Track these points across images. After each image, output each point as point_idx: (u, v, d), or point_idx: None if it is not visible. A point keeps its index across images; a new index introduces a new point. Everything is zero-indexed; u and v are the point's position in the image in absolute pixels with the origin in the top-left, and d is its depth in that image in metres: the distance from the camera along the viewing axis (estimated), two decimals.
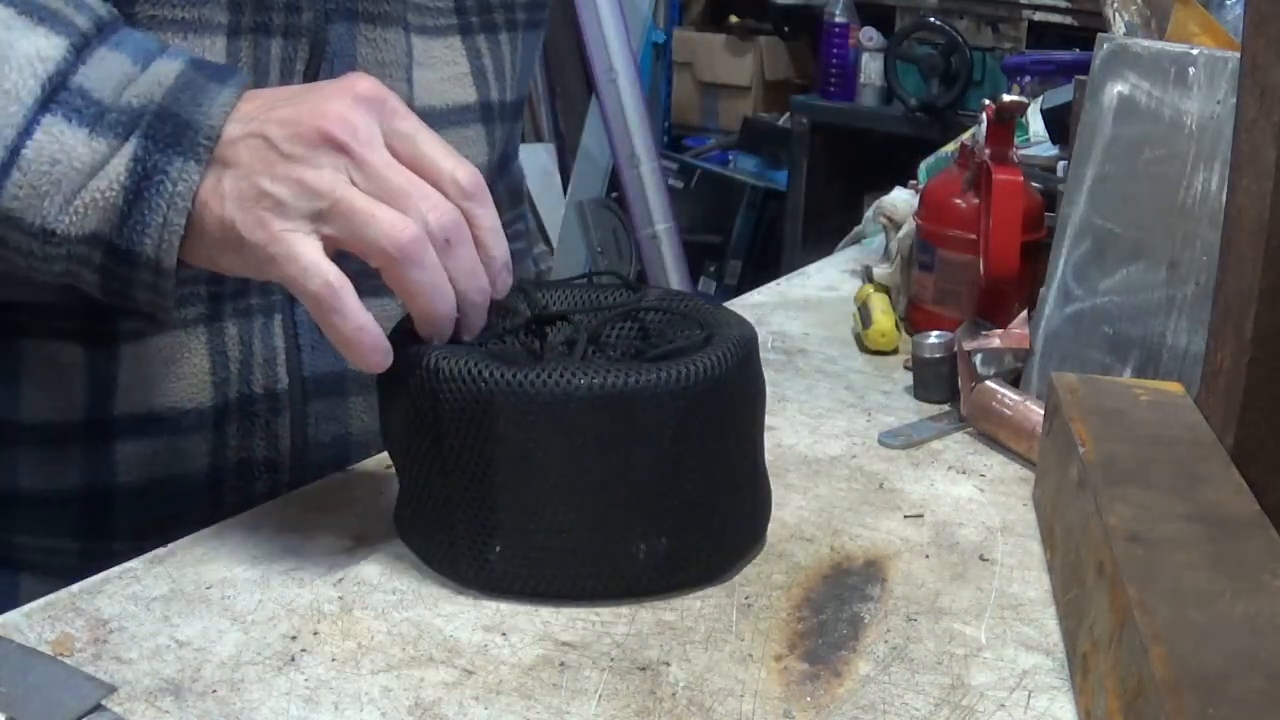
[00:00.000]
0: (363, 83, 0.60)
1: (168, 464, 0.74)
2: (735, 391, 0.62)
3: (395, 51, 0.76)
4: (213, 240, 0.59)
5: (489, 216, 0.61)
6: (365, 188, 0.58)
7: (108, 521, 0.74)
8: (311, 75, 0.73)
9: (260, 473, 0.76)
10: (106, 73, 0.60)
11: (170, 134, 0.59)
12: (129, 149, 0.59)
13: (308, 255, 0.57)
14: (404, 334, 0.62)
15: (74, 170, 0.58)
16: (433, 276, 0.59)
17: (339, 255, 0.59)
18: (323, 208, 0.58)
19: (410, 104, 0.75)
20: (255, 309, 0.74)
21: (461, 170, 0.60)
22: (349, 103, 0.59)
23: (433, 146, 0.61)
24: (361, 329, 0.58)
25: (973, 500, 0.74)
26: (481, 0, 0.82)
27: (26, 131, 0.58)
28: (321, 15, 0.72)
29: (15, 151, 0.58)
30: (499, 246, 0.62)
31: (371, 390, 0.77)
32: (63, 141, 0.58)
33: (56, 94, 0.59)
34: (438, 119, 0.78)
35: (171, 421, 0.73)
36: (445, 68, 0.80)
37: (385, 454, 0.71)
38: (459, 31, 0.80)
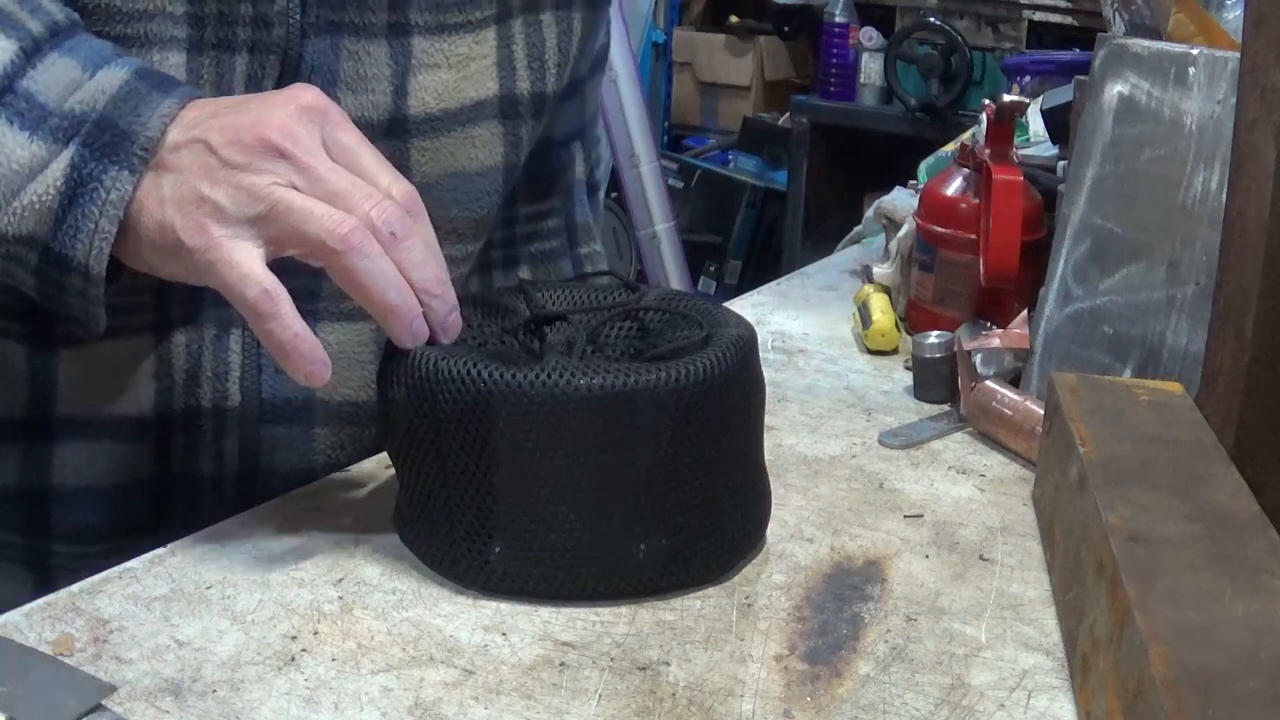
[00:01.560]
0: (307, 94, 0.61)
1: (109, 470, 0.72)
2: (735, 391, 0.62)
3: (376, 64, 0.73)
4: (152, 245, 0.60)
5: (425, 232, 0.62)
6: (306, 190, 0.59)
7: (46, 521, 0.73)
8: None
9: (207, 490, 0.74)
10: (54, 78, 0.61)
11: (107, 143, 0.60)
12: (67, 155, 0.59)
13: (246, 263, 0.58)
14: None
15: (12, 172, 0.59)
16: (379, 265, 0.59)
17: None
18: (261, 212, 0.58)
19: (403, 114, 0.74)
20: (207, 321, 0.72)
21: (398, 186, 0.61)
22: (292, 112, 0.60)
23: (372, 161, 0.61)
24: (297, 336, 0.58)
25: (973, 500, 0.74)
26: None
27: None
28: (296, 30, 0.70)
29: None
30: (430, 276, 0.61)
31: (340, 425, 0.76)
32: (3, 144, 0.59)
33: (2, 96, 0.60)
34: (442, 123, 0.76)
35: (112, 427, 0.72)
36: (464, 65, 0.77)
37: (385, 454, 0.71)
38: (495, 21, 0.77)
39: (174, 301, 0.71)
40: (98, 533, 0.68)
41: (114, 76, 0.61)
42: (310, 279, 0.69)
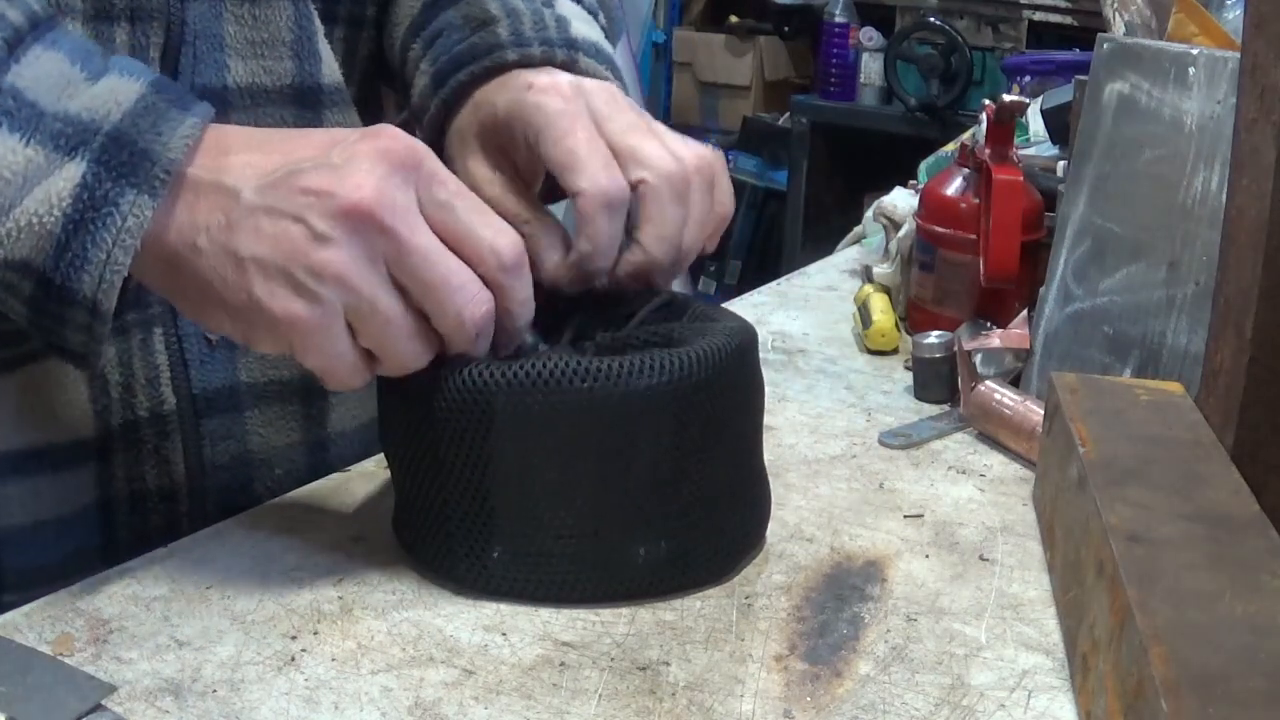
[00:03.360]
0: (395, 142, 0.55)
1: (52, 503, 0.68)
2: (734, 392, 0.62)
3: (275, 28, 0.70)
4: (213, 305, 0.56)
5: (522, 289, 0.59)
6: (399, 276, 0.55)
7: None
8: (171, 62, 0.67)
9: (155, 503, 0.71)
10: (42, 73, 0.54)
11: (126, 162, 0.53)
12: (74, 170, 0.53)
13: (343, 353, 0.56)
14: None
15: (4, 181, 0.53)
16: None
17: None
18: (354, 303, 0.54)
19: (317, 80, 0.72)
20: (132, 325, 0.68)
21: (501, 239, 0.57)
22: (384, 172, 0.54)
23: (471, 215, 0.57)
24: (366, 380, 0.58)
25: (973, 500, 0.74)
26: None
27: None
28: None
29: None
30: (524, 318, 0.60)
31: (268, 402, 0.74)
32: None
33: None
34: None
35: (51, 457, 0.67)
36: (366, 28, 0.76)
37: (384, 454, 0.71)
38: None
39: None
40: (50, 573, 0.63)
41: (128, 87, 0.55)
42: None
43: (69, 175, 0.53)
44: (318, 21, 0.73)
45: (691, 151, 0.66)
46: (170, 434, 0.71)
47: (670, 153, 0.65)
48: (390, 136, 0.56)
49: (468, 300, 0.56)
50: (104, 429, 0.69)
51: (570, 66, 0.69)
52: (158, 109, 0.55)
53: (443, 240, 0.56)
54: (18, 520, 0.68)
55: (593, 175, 0.62)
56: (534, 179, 0.70)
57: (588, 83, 0.67)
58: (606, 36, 0.80)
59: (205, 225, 0.55)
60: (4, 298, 0.56)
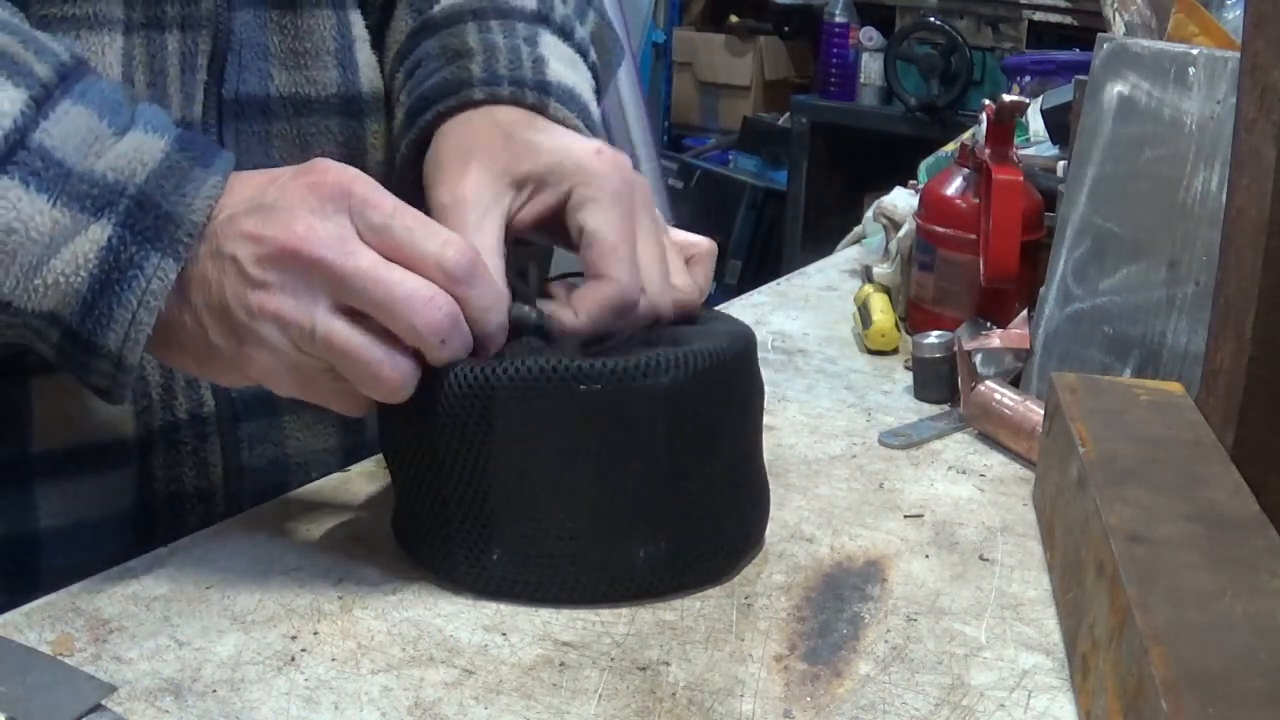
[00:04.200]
0: (325, 175, 0.56)
1: (92, 503, 0.69)
2: (732, 393, 0.62)
3: (319, 38, 0.71)
4: (186, 347, 0.58)
5: (484, 296, 0.58)
6: (349, 302, 0.55)
7: (35, 570, 0.68)
8: (217, 70, 0.68)
9: (192, 505, 0.72)
10: (71, 130, 0.55)
11: (150, 225, 0.55)
12: (100, 232, 0.54)
13: (315, 389, 0.58)
14: None
15: (31, 241, 0.54)
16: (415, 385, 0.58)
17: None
18: (305, 336, 0.55)
19: (355, 90, 0.72)
20: None
21: (448, 250, 0.56)
22: (313, 205, 0.55)
23: (410, 233, 0.56)
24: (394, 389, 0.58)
25: (973, 500, 0.74)
26: None
27: None
28: (224, 2, 0.67)
29: None
30: (493, 322, 0.59)
31: (304, 407, 0.74)
32: (19, 209, 0.53)
33: (14, 153, 0.53)
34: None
35: (93, 457, 0.69)
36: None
37: (384, 455, 0.71)
38: None
39: None
40: (87, 572, 0.63)
41: (153, 145, 0.56)
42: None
43: (95, 237, 0.54)
44: (357, 29, 0.74)
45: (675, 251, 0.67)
46: (209, 436, 0.72)
47: (681, 265, 0.67)
48: (320, 170, 0.57)
49: (420, 308, 0.55)
50: (144, 431, 0.70)
51: (540, 110, 0.68)
52: (182, 168, 0.56)
53: (390, 261, 0.56)
54: (57, 521, 0.69)
55: (626, 275, 0.62)
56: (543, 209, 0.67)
57: (635, 175, 0.66)
58: (597, 73, 0.79)
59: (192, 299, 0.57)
60: (32, 340, 0.57)
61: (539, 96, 0.69)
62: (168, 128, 0.57)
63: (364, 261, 0.55)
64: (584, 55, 0.79)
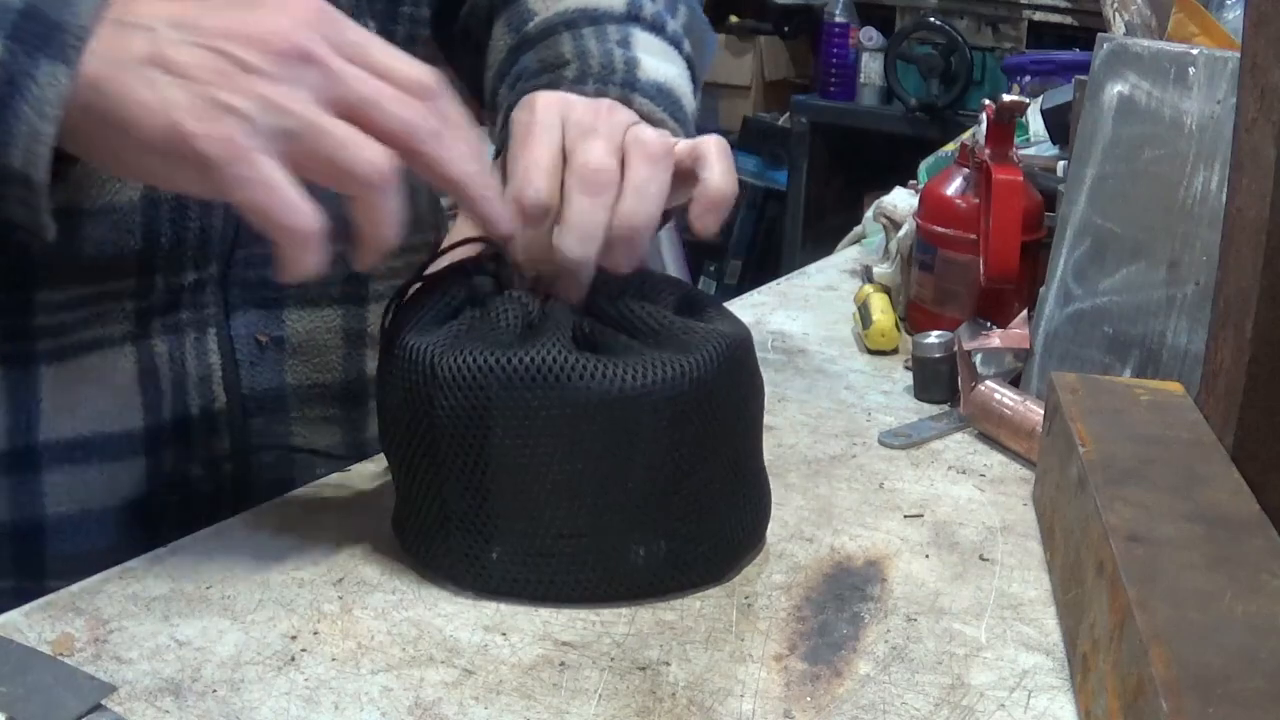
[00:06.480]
0: (297, 5, 0.56)
1: (100, 493, 0.69)
2: (732, 393, 0.62)
3: None
4: (153, 150, 0.54)
5: (455, 113, 0.58)
6: (335, 99, 0.55)
7: (40, 558, 0.69)
8: None
9: (200, 499, 0.73)
10: None
11: (38, 34, 0.53)
12: None
13: (283, 186, 0.53)
14: (399, 332, 0.62)
15: None
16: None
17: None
18: (292, 128, 0.53)
19: None
20: (186, 324, 0.70)
21: (417, 70, 0.57)
22: (300, 15, 0.55)
23: (383, 55, 0.57)
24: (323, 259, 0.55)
25: (973, 500, 0.74)
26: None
27: None
28: None
29: None
30: (471, 137, 0.58)
31: (311, 405, 0.76)
32: None
33: None
34: None
35: (101, 447, 0.69)
36: None
37: (384, 453, 0.71)
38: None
39: (153, 308, 0.69)
40: (94, 560, 0.64)
41: None
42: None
43: None
44: None
45: (641, 140, 0.64)
46: (219, 431, 0.73)
47: (604, 148, 0.63)
48: None
49: (406, 104, 0.56)
50: (154, 423, 0.70)
51: (624, 105, 0.69)
52: None
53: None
54: (65, 509, 0.69)
55: (518, 186, 0.62)
56: None
57: (577, 99, 0.66)
58: (693, 63, 0.81)
59: (122, 59, 0.54)
60: None
61: (623, 93, 0.71)
62: None
63: (351, 69, 0.55)
64: (678, 47, 0.81)
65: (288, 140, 0.53)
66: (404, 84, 0.57)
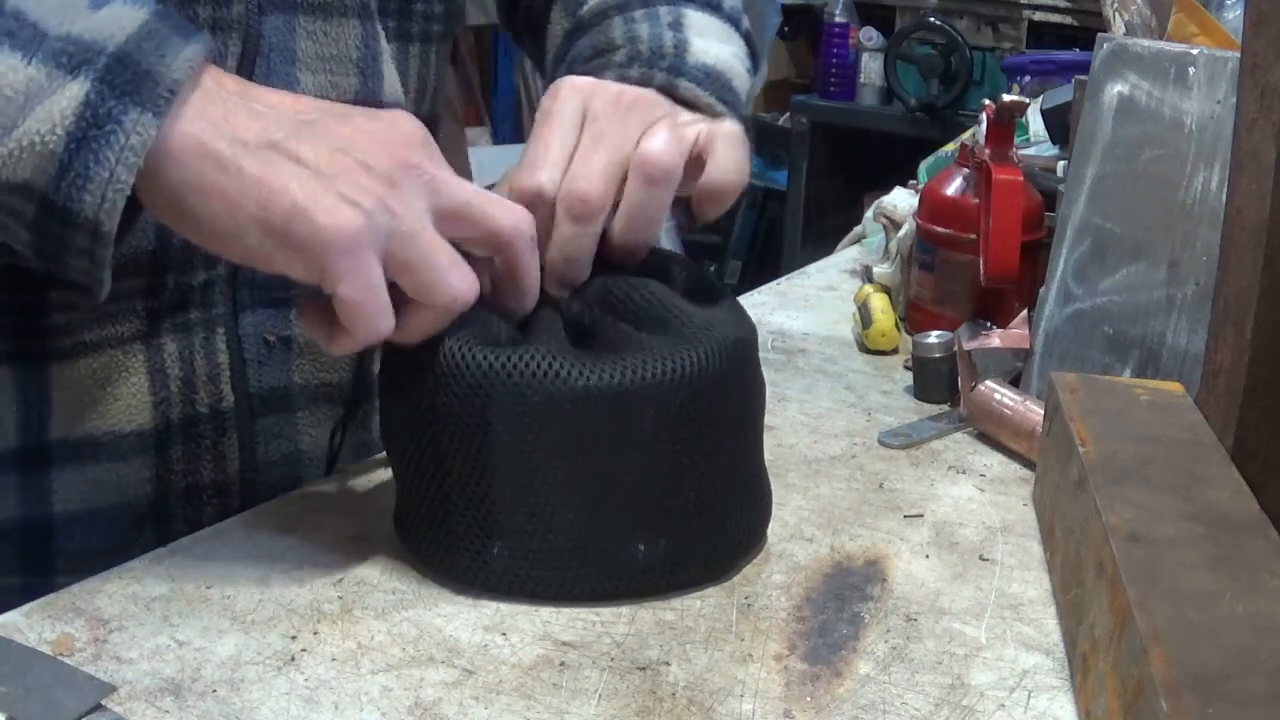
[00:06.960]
0: (408, 123, 0.59)
1: (109, 492, 0.70)
2: (733, 392, 0.62)
3: (344, 45, 0.72)
4: (229, 213, 0.54)
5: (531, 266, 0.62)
6: (442, 219, 0.57)
7: (48, 554, 0.70)
8: (246, 71, 0.68)
9: (208, 497, 0.73)
10: None
11: (130, 81, 0.53)
12: (77, 89, 0.52)
13: (379, 290, 0.56)
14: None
15: (4, 99, 0.52)
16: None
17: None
18: (399, 228, 0.55)
19: (379, 97, 0.73)
20: (195, 324, 0.71)
21: (516, 210, 0.60)
22: (409, 130, 0.58)
23: (479, 195, 0.60)
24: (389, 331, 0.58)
25: (973, 500, 0.74)
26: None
27: None
28: (254, 7, 0.68)
29: None
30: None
31: (318, 404, 0.77)
32: None
33: None
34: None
35: (110, 446, 0.69)
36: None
37: (385, 454, 0.71)
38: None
39: (163, 308, 0.69)
40: (103, 556, 0.64)
41: (130, 14, 0.54)
42: None
43: (72, 94, 0.52)
44: (383, 42, 0.74)
45: (643, 149, 0.65)
46: (227, 430, 0.73)
47: (600, 170, 0.64)
48: (402, 117, 0.59)
49: (507, 208, 0.59)
50: (163, 423, 0.71)
51: (668, 90, 0.70)
52: (161, 34, 0.55)
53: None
54: (74, 506, 0.70)
55: (518, 174, 0.64)
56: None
57: (604, 86, 0.67)
58: (752, 40, 0.81)
59: (240, 135, 0.55)
60: (8, 224, 0.55)
61: (668, 78, 0.70)
62: (147, 2, 0.56)
63: (464, 189, 0.59)
64: (735, 24, 0.80)
65: (391, 243, 0.55)
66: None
